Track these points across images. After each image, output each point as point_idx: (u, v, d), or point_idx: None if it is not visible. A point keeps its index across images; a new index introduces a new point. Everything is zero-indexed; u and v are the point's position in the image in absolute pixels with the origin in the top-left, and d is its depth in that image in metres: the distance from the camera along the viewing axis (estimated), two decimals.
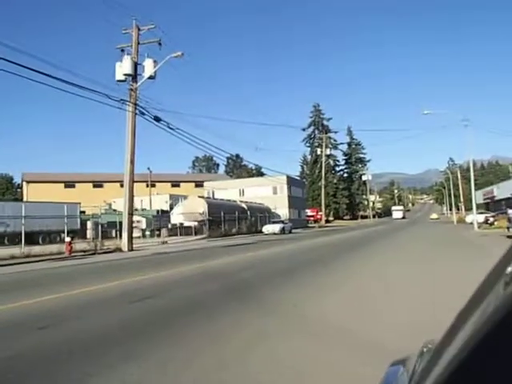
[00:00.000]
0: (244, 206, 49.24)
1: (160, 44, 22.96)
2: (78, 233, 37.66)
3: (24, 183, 70.68)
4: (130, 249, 23.49)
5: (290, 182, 62.01)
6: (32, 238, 30.24)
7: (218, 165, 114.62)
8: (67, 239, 20.75)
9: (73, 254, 20.25)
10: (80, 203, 40.47)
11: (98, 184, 68.27)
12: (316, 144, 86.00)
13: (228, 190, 59.39)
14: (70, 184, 69.51)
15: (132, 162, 23.43)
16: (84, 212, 42.76)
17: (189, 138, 26.44)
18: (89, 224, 39.81)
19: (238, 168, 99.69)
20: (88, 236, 37.46)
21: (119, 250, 23.22)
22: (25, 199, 61.98)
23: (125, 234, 23.63)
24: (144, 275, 11.48)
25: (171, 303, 7.60)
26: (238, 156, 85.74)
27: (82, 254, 21.15)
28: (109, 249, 23.52)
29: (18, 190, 76.39)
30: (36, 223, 31.08)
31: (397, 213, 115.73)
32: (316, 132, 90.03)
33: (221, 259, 16.05)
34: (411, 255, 15.22)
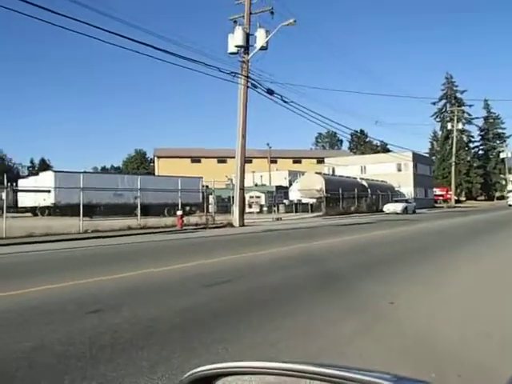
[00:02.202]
0: (364, 183, 46.78)
1: (272, 13, 21.98)
2: (200, 206, 39.09)
3: (155, 158, 76.42)
4: (242, 224, 23.38)
5: (416, 158, 57.43)
6: (158, 210, 32.03)
7: (341, 141, 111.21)
8: (179, 213, 21.25)
9: (184, 228, 20.69)
10: (202, 177, 41.81)
11: (221, 159, 70.78)
12: (447, 118, 78.26)
13: (349, 167, 57.11)
14: (196, 159, 73.33)
15: (244, 136, 23.08)
16: (207, 186, 44.36)
17: (305, 111, 25.26)
18: (210, 198, 41.15)
19: (361, 144, 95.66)
20: (210, 210, 38.76)
21: (230, 225, 23.24)
22: (156, 173, 66.99)
23: (236, 209, 23.58)
24: (237, 254, 10.90)
25: (246, 290, 6.72)
26: (362, 132, 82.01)
27: (194, 227, 21.53)
28: (221, 223, 23.69)
29: (151, 164, 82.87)
30: (161, 196, 32.63)
31: None
32: (448, 106, 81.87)
33: (328, 239, 14.87)
34: None
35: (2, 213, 16.69)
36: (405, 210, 38.91)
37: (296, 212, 41.24)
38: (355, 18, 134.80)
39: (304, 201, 43.00)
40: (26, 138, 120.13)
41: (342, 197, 40.24)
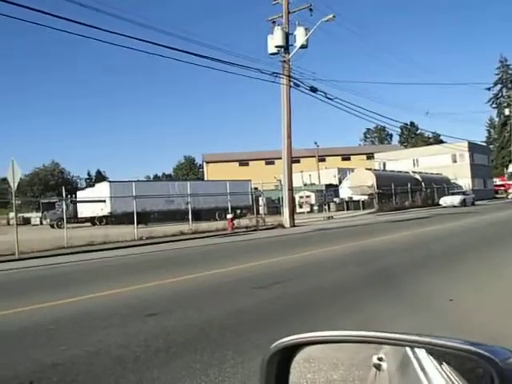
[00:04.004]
0: (418, 176, 45.31)
1: (311, 10, 21.74)
2: (250, 209, 39.23)
3: (204, 163, 77.71)
4: (292, 224, 23.25)
5: (472, 148, 54.74)
6: (209, 215, 32.56)
7: (391, 135, 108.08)
8: (229, 216, 21.49)
9: (235, 231, 20.86)
10: (251, 180, 42.07)
11: (269, 161, 70.86)
12: (504, 104, 74.11)
13: (400, 161, 55.49)
14: (243, 162, 73.84)
15: (289, 136, 22.98)
16: (256, 188, 44.52)
17: (351, 107, 24.80)
18: (260, 200, 41.21)
19: (412, 137, 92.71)
20: (260, 212, 38.83)
21: (281, 226, 23.18)
22: (205, 178, 68.12)
23: (286, 210, 23.50)
24: (289, 255, 10.83)
25: (299, 291, 6.64)
26: (412, 124, 79.50)
27: (245, 230, 21.67)
28: (272, 225, 23.68)
29: (200, 170, 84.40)
30: (212, 201, 33.12)
31: None
32: (504, 90, 77.60)
33: (382, 236, 14.47)
34: None
35: (63, 223, 17.50)
36: (463, 203, 37.42)
37: (347, 210, 40.64)
38: (396, 12, 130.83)
39: (355, 198, 42.27)
40: (82, 151, 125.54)
41: (394, 192, 39.24)
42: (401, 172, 46.83)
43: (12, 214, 38.97)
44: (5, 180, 22.92)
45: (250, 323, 4.97)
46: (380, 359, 0.92)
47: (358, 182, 41.82)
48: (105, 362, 3.90)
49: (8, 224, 44.52)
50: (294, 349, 0.97)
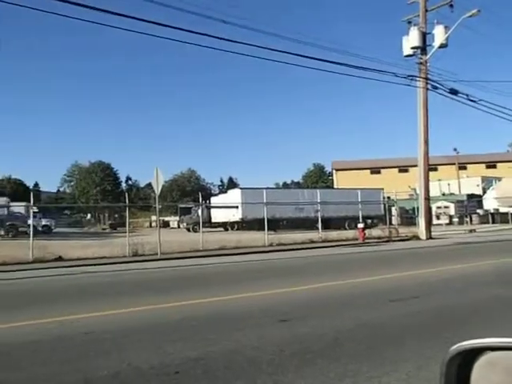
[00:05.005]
0: None
1: (451, 6, 20.21)
2: (382, 219, 37.69)
3: (333, 171, 77.04)
4: (429, 237, 21.85)
5: None
6: (338, 223, 32.08)
7: None
8: (360, 225, 20.88)
9: (367, 241, 20.24)
10: (383, 188, 40.54)
11: (403, 169, 67.62)
12: None
13: None
14: (375, 170, 71.53)
15: (426, 142, 21.65)
16: (389, 198, 42.72)
17: (499, 109, 22.42)
18: (392, 210, 39.42)
19: None
20: (392, 222, 37.05)
21: (416, 237, 21.93)
22: (335, 186, 67.45)
23: (421, 221, 22.16)
24: (425, 269, 10.22)
25: (436, 307, 6.17)
26: None
27: (377, 240, 20.91)
28: (406, 236, 22.54)
29: (329, 177, 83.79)
30: (341, 209, 32.57)
31: None
32: None
33: None
34: None
35: (198, 227, 18.73)
36: None
37: (493, 223, 37.01)
38: None
39: (502, 210, 38.31)
40: (215, 157, 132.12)
41: None
42: None
43: (154, 217, 43.07)
44: (149, 185, 25.35)
45: (385, 337, 4.76)
46: None
47: (507, 192, 37.84)
48: (241, 361, 4.02)
49: (150, 226, 49.27)
50: (475, 352, 0.94)
